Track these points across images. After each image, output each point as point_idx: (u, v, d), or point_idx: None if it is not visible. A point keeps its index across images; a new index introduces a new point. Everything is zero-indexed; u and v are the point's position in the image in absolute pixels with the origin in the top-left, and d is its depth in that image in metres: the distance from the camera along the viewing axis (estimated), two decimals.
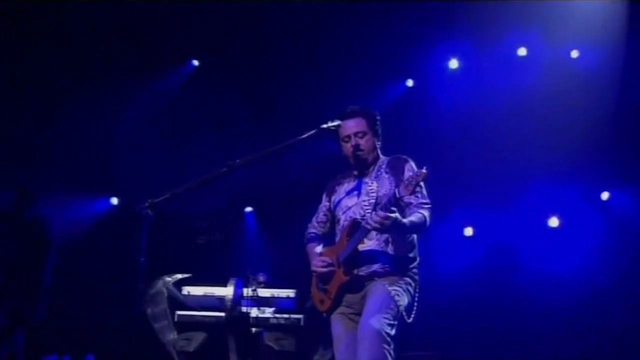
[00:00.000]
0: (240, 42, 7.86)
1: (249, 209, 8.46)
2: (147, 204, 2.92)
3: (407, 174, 3.52)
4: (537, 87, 7.36)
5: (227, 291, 6.00)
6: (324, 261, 3.52)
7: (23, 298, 4.52)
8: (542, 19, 7.25)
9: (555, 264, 7.02)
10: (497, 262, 7.32)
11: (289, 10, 7.42)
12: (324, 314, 3.64)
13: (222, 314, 5.96)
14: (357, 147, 3.61)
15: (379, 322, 3.24)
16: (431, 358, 6.54)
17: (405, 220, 3.35)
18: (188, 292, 6.22)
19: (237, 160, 3.23)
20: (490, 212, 7.57)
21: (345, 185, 3.73)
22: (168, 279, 6.56)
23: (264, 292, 6.10)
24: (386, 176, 3.56)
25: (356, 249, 3.42)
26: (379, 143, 3.74)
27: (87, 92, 7.42)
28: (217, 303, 6.05)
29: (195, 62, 8.21)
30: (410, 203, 3.47)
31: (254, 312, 6.04)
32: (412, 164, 3.64)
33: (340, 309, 3.54)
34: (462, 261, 7.48)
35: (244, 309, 5.95)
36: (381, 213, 3.23)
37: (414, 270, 3.58)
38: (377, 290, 3.38)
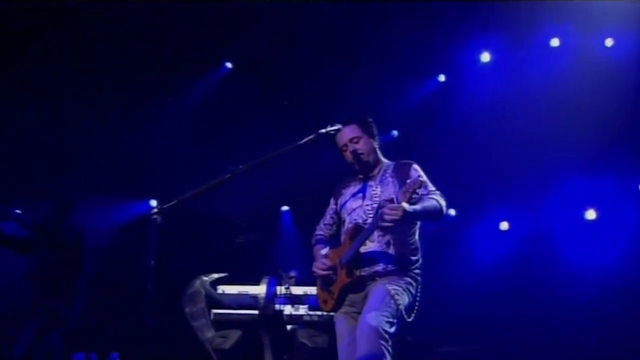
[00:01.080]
0: (273, 42, 7.95)
1: (285, 208, 8.57)
2: (155, 210, 3.02)
3: (413, 173, 3.55)
4: (571, 77, 7.25)
5: (260, 289, 6.10)
6: (324, 264, 3.61)
7: (60, 301, 4.73)
8: (576, 8, 7.13)
9: (593, 256, 6.90)
10: (534, 256, 7.26)
11: (320, 9, 7.47)
12: (329, 313, 3.72)
13: (256, 312, 6.06)
14: (355, 152, 3.68)
15: (376, 319, 3.29)
16: (469, 352, 6.53)
17: (417, 206, 3.39)
18: (223, 290, 6.34)
19: (240, 166, 3.29)
20: (526, 206, 7.52)
21: (351, 188, 3.80)
22: (205, 278, 6.70)
23: (297, 290, 6.18)
24: (391, 180, 3.62)
25: (358, 252, 3.48)
26: (377, 144, 3.78)
27: (125, 96, 7.64)
28: (251, 301, 6.15)
29: (229, 65, 8.35)
30: (422, 194, 3.49)
31: (288, 309, 6.13)
32: (416, 165, 3.67)
33: (344, 308, 3.62)
34: (498, 255, 7.46)
35: (277, 307, 6.04)
36: (392, 205, 3.27)
37: (416, 270, 3.62)
38: (377, 289, 3.45)
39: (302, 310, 6.15)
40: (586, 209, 7.29)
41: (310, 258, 7.27)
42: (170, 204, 3.14)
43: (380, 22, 7.66)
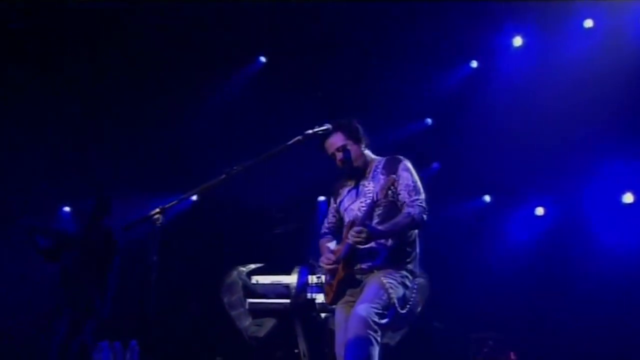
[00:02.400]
0: (306, 34, 8.02)
1: (321, 198, 8.68)
2: (157, 210, 3.19)
3: (402, 173, 3.62)
4: (606, 58, 7.09)
5: (292, 279, 6.24)
6: (329, 258, 3.71)
7: (94, 294, 5.01)
8: None
9: (630, 240, 6.80)
10: (570, 241, 7.19)
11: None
12: (329, 306, 3.83)
13: (289, 300, 6.22)
14: (343, 162, 3.76)
15: (366, 310, 3.40)
16: (504, 338, 6.53)
17: (382, 227, 3.53)
18: (257, 280, 6.52)
19: (234, 167, 3.42)
20: (562, 190, 7.44)
21: (347, 187, 3.88)
22: (242, 268, 6.90)
23: None
24: (382, 177, 3.68)
25: (354, 248, 3.56)
26: (364, 146, 3.83)
27: (164, 91, 7.88)
28: (284, 291, 6.31)
29: (263, 59, 8.50)
30: (404, 202, 3.59)
31: (320, 298, 6.26)
32: (407, 163, 3.73)
33: (344, 299, 3.71)
34: (534, 241, 7.44)
35: (309, 296, 6.17)
36: (356, 228, 3.47)
37: (412, 263, 3.68)
38: (372, 281, 3.57)
39: None
40: (623, 193, 7.17)
41: None
42: (171, 204, 3.29)
43: (412, 10, 7.63)
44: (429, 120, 8.35)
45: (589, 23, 7.32)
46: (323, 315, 6.37)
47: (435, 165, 8.24)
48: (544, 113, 7.36)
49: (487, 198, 7.98)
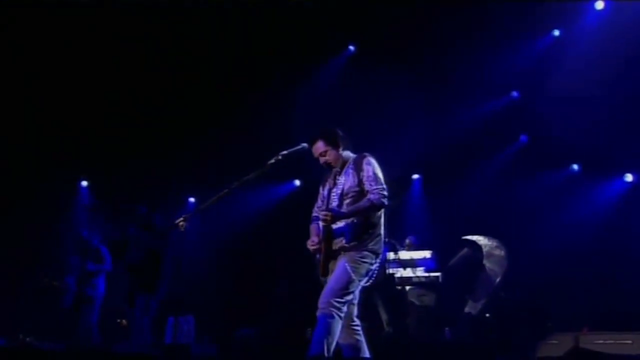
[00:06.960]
0: (391, 17, 8.31)
1: (415, 176, 9.03)
2: (182, 218, 3.88)
3: (365, 167, 4.09)
4: None
5: None
6: (313, 241, 4.26)
7: (154, 278, 6.22)
8: None
9: None
10: None
11: None
12: (322, 278, 4.36)
13: None
14: (325, 164, 4.38)
15: (329, 295, 4.04)
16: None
17: (345, 210, 4.18)
18: None
19: (235, 183, 4.02)
20: None
21: (330, 179, 4.39)
22: None
23: (405, 255, 6.80)
24: (351, 172, 4.22)
25: (328, 229, 4.07)
26: (342, 149, 4.35)
27: (266, 84, 8.56)
28: None
29: (352, 48, 8.95)
30: (367, 190, 4.18)
31: (401, 272, 6.77)
32: (370, 158, 4.26)
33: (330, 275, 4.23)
34: (625, 207, 7.35)
35: (389, 271, 6.67)
36: (322, 211, 4.16)
37: (373, 242, 4.14)
38: (338, 265, 4.15)
39: (414, 272, 6.77)
40: None
41: (436, 224, 7.84)
42: (192, 213, 3.94)
43: None
44: (515, 93, 8.41)
45: None
46: (408, 288, 6.88)
47: (523, 137, 8.33)
48: (631, 77, 7.23)
49: (574, 167, 7.96)
